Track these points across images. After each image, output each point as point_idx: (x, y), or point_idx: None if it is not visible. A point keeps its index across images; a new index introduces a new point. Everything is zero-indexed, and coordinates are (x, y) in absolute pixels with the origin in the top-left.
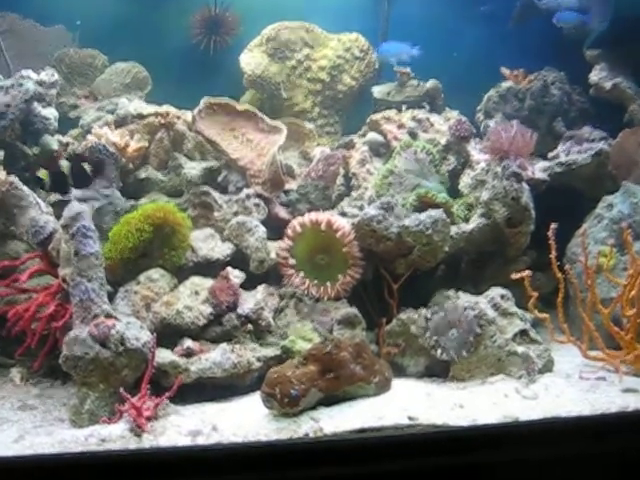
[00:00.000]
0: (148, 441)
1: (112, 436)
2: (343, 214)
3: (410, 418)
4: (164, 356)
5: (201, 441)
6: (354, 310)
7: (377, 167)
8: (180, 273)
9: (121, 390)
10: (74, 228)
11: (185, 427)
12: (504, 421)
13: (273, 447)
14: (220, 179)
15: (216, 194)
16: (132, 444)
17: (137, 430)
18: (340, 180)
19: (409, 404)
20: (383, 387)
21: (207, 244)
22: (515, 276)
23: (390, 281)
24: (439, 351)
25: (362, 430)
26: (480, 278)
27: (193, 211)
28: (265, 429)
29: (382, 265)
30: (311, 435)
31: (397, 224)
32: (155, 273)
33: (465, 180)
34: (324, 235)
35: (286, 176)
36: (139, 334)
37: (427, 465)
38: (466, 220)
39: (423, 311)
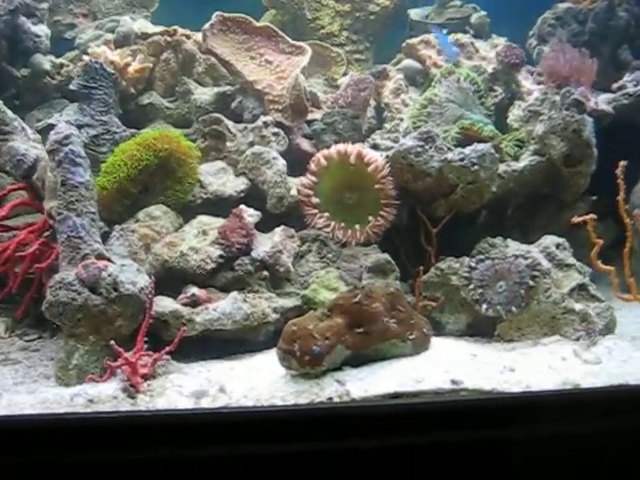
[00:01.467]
0: (144, 403)
1: (102, 396)
2: (375, 146)
3: (454, 382)
4: (165, 305)
5: (206, 404)
6: (386, 256)
7: (413, 98)
8: (186, 211)
9: (113, 343)
10: (61, 154)
11: (188, 387)
12: (563, 388)
13: (291, 413)
14: (234, 105)
15: (229, 122)
16: (125, 406)
17: (131, 390)
18: (371, 112)
19: (451, 366)
20: (421, 345)
21: (218, 178)
22: (576, 220)
23: (428, 225)
24: (484, 306)
25: (397, 395)
26: (529, 226)
27: (203, 142)
28: (281, 391)
29: (419, 206)
30: (336, 399)
31: (438, 158)
32: (157, 210)
33: (515, 112)
34: (353, 170)
35: (310, 104)
36: (135, 278)
37: (473, 437)
38: (516, 158)
39: (466, 260)
